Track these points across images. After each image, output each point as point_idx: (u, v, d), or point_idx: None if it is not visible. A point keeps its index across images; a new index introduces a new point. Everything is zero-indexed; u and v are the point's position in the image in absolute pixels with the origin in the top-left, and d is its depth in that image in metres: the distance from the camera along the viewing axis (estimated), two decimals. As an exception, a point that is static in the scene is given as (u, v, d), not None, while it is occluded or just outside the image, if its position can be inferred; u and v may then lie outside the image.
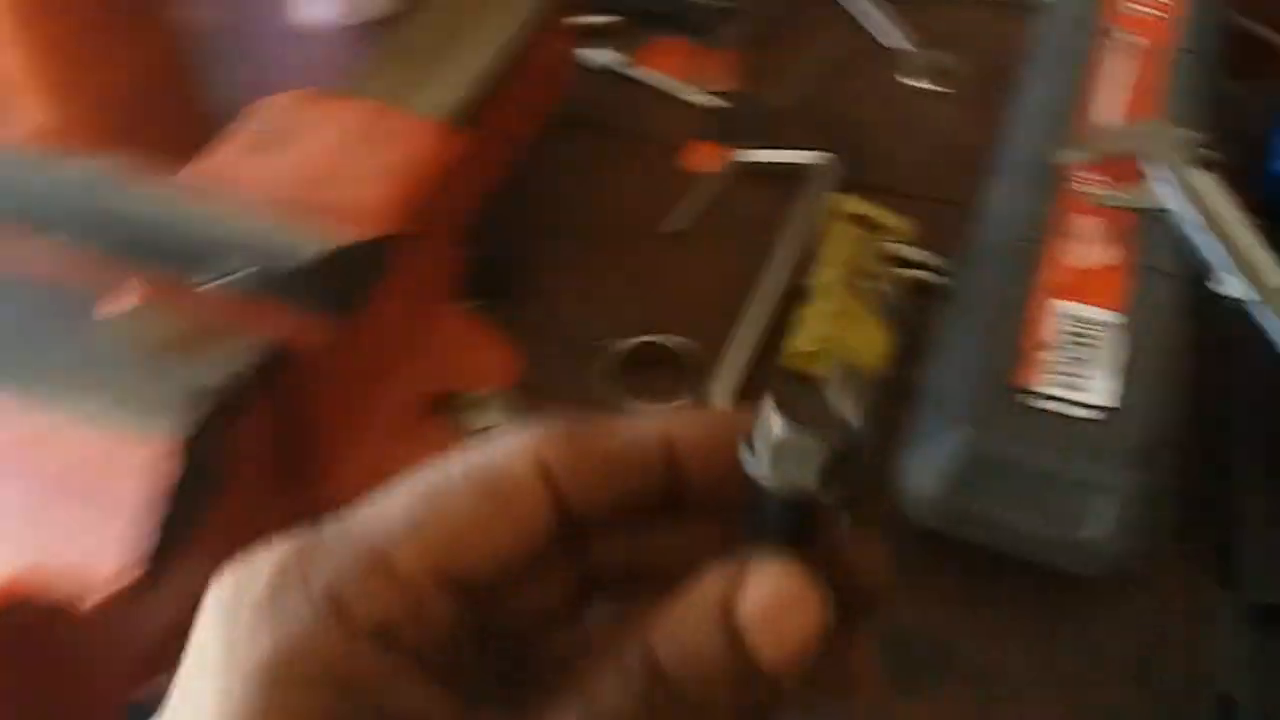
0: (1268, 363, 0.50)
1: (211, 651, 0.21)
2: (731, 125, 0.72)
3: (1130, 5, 0.66)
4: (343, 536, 0.22)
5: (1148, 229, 0.54)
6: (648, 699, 0.21)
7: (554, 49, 0.69)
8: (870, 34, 0.78)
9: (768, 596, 0.21)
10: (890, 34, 0.77)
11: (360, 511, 0.23)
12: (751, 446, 0.22)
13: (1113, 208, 0.54)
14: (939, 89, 0.74)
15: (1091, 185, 0.56)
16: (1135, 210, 0.54)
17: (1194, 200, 0.54)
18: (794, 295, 0.61)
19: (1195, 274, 0.53)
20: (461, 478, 0.23)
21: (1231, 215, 0.54)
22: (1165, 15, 0.65)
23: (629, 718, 0.20)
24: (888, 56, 0.77)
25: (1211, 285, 0.52)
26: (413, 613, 0.21)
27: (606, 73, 0.77)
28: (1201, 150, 0.57)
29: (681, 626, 0.21)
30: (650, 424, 0.24)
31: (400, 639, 0.21)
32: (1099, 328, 0.50)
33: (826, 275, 0.60)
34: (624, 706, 0.20)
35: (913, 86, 0.75)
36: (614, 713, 0.20)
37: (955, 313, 0.54)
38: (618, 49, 0.78)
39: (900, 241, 0.63)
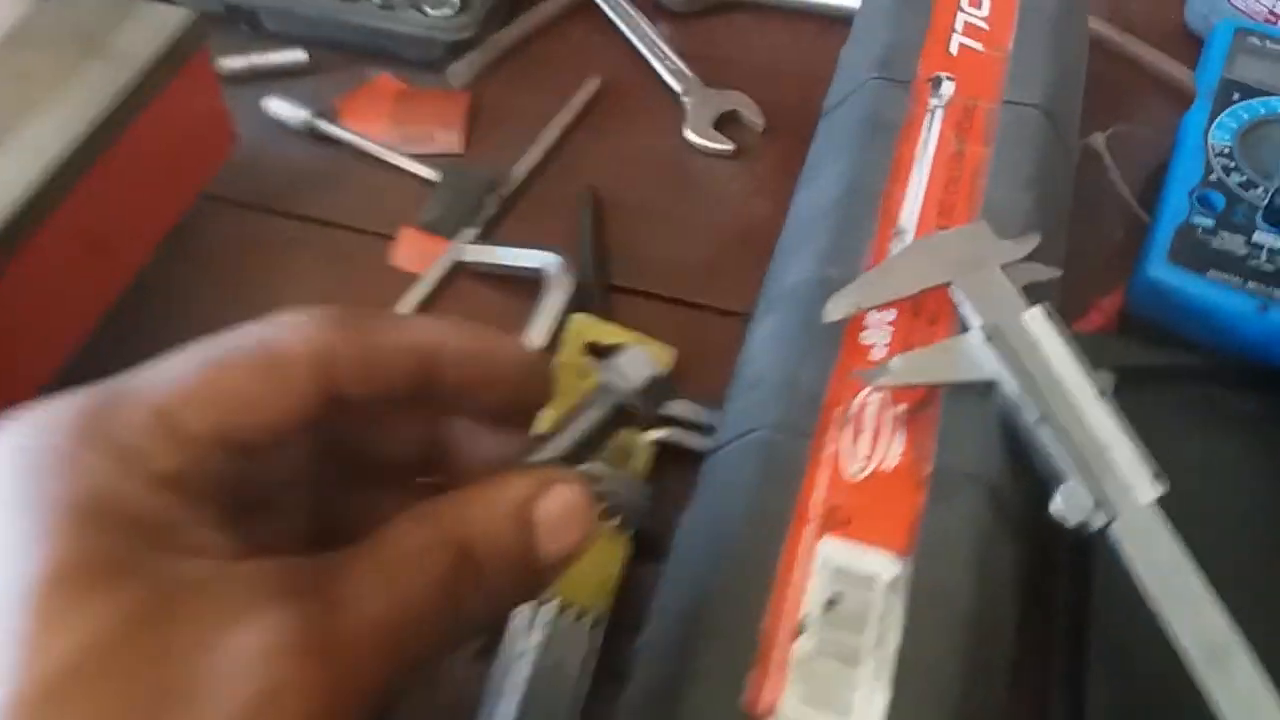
0: (1127, 615, 0.36)
1: (11, 492, 0.22)
2: (453, 206, 0.55)
3: (963, 37, 0.51)
4: (135, 394, 0.24)
5: (958, 414, 0.38)
6: (455, 572, 0.24)
7: (194, 105, 0.51)
8: (653, 68, 0.62)
9: (562, 506, 0.26)
10: (676, 71, 0.60)
11: (148, 372, 0.24)
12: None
13: (906, 385, 0.37)
14: (727, 149, 0.57)
15: (882, 339, 0.40)
16: (939, 386, 0.38)
17: (1024, 366, 0.38)
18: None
19: (1031, 487, 0.37)
20: (240, 350, 0.25)
21: (1083, 390, 0.37)
22: (999, 53, 0.50)
23: (435, 586, 0.24)
24: (669, 103, 0.59)
25: (1054, 507, 0.37)
26: (199, 467, 0.23)
27: (289, 131, 0.58)
28: (1038, 272, 0.42)
29: (489, 517, 0.25)
30: (423, 324, 0.29)
31: (188, 489, 0.23)
32: (877, 589, 0.34)
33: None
34: (430, 576, 0.23)
35: (698, 146, 0.59)
36: (420, 584, 0.23)
37: (678, 564, 0.37)
38: (308, 98, 0.58)
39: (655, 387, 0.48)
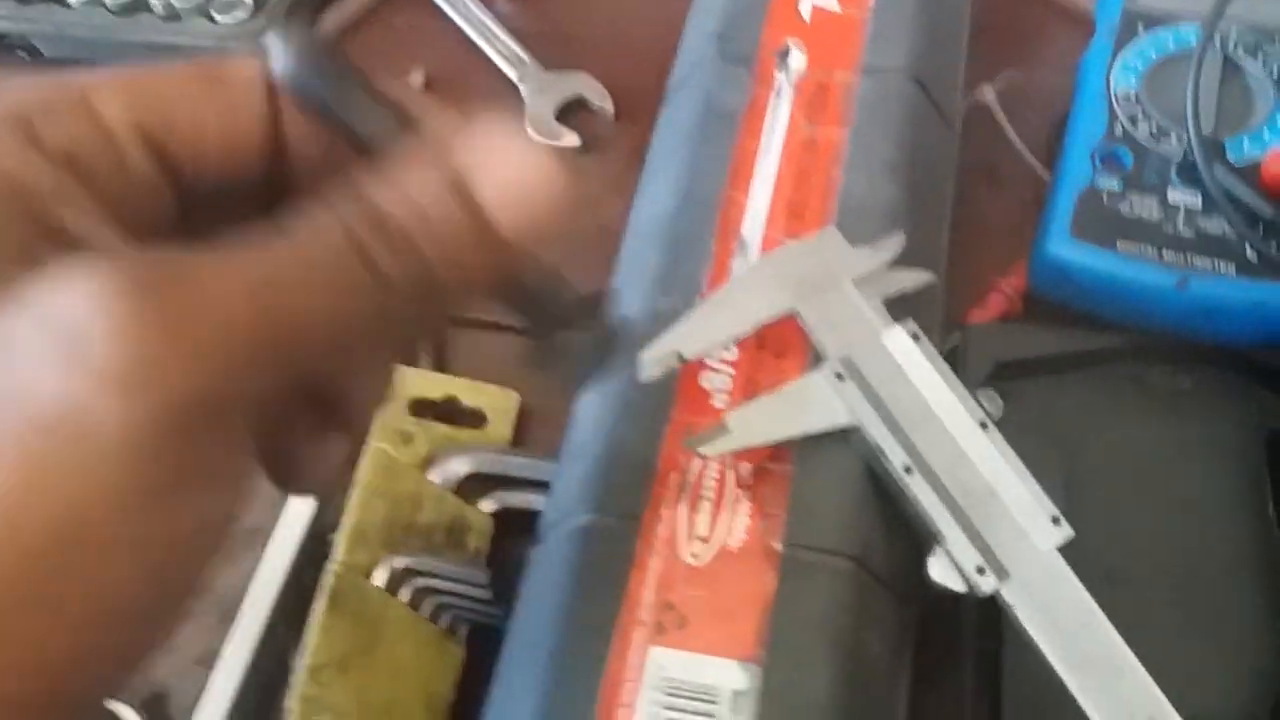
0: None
1: None
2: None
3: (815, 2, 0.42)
4: (49, 77, 0.21)
5: (814, 471, 0.31)
6: (356, 220, 0.20)
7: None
8: (485, 54, 0.54)
9: (512, 167, 0.21)
10: (511, 55, 0.52)
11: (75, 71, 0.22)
12: None
13: (745, 449, 0.30)
14: (572, 144, 0.49)
15: (723, 384, 0.33)
16: (786, 443, 0.31)
17: (885, 404, 0.31)
18: (302, 590, 0.37)
19: (910, 543, 0.31)
20: (183, 64, 0.22)
21: (961, 423, 0.31)
22: (859, 11, 0.41)
23: (337, 235, 0.20)
24: (506, 93, 0.51)
25: (932, 573, 0.30)
26: (108, 158, 0.20)
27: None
28: (905, 280, 0.35)
29: (400, 174, 0.20)
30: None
31: (89, 175, 0.20)
32: (721, 705, 0.27)
33: (349, 548, 0.38)
34: (326, 242, 0.19)
35: (541, 143, 0.52)
36: (325, 230, 0.19)
37: (503, 680, 0.31)
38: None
39: (490, 450, 0.41)
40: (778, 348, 0.34)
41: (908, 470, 0.30)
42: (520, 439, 0.42)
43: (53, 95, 0.20)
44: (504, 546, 0.39)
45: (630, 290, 0.37)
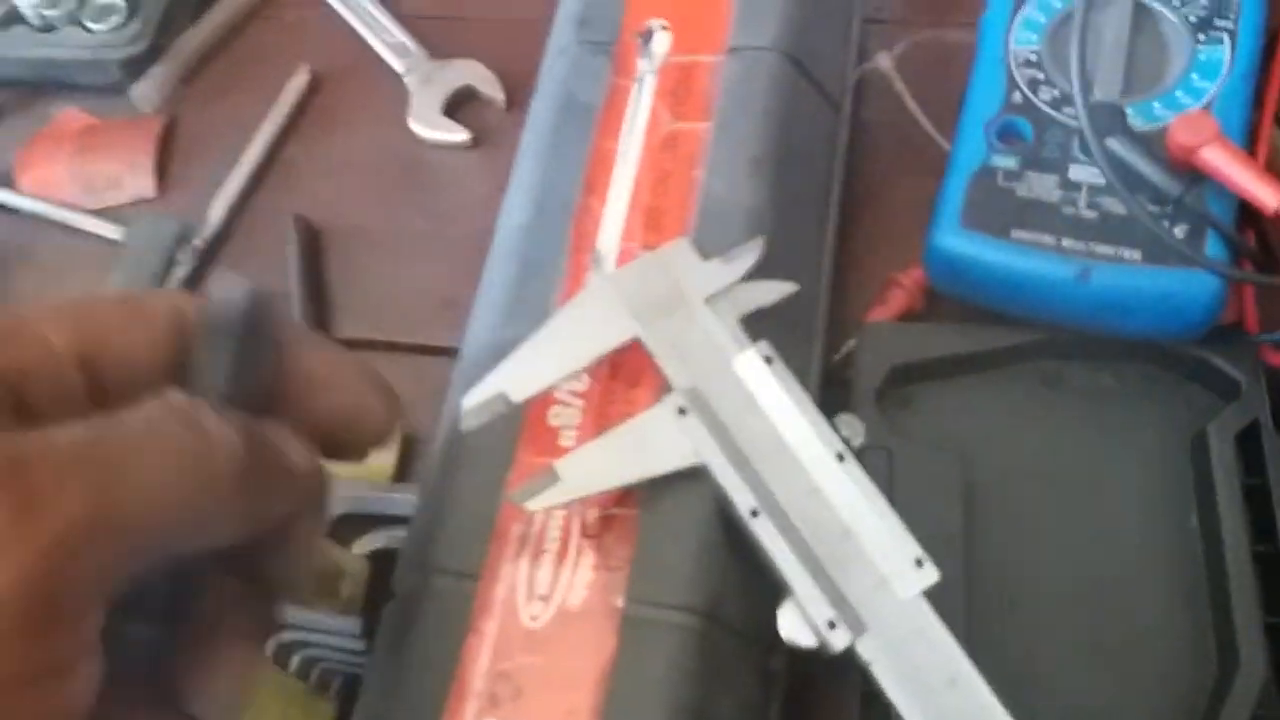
0: None
1: None
2: (138, 272, 0.45)
3: None
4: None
5: (659, 518, 0.28)
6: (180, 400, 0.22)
7: None
8: (375, 50, 0.50)
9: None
10: (397, 45, 0.49)
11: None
12: None
13: (580, 499, 0.28)
14: (461, 139, 0.47)
15: (571, 419, 0.30)
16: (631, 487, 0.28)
17: (733, 440, 0.28)
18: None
19: (763, 602, 0.28)
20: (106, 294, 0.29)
21: (817, 457, 0.28)
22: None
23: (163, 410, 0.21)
24: (393, 86, 0.48)
25: (781, 629, 0.27)
26: (49, 376, 0.22)
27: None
28: (764, 293, 0.31)
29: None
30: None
31: (27, 389, 0.22)
32: None
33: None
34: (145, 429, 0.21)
35: (427, 139, 0.49)
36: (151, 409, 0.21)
37: None
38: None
39: (365, 487, 0.39)
40: (631, 376, 0.31)
41: (754, 514, 0.28)
42: (404, 470, 0.40)
43: (8, 325, 0.23)
44: (382, 590, 0.37)
45: (480, 318, 0.34)
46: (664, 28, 0.37)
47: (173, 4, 0.50)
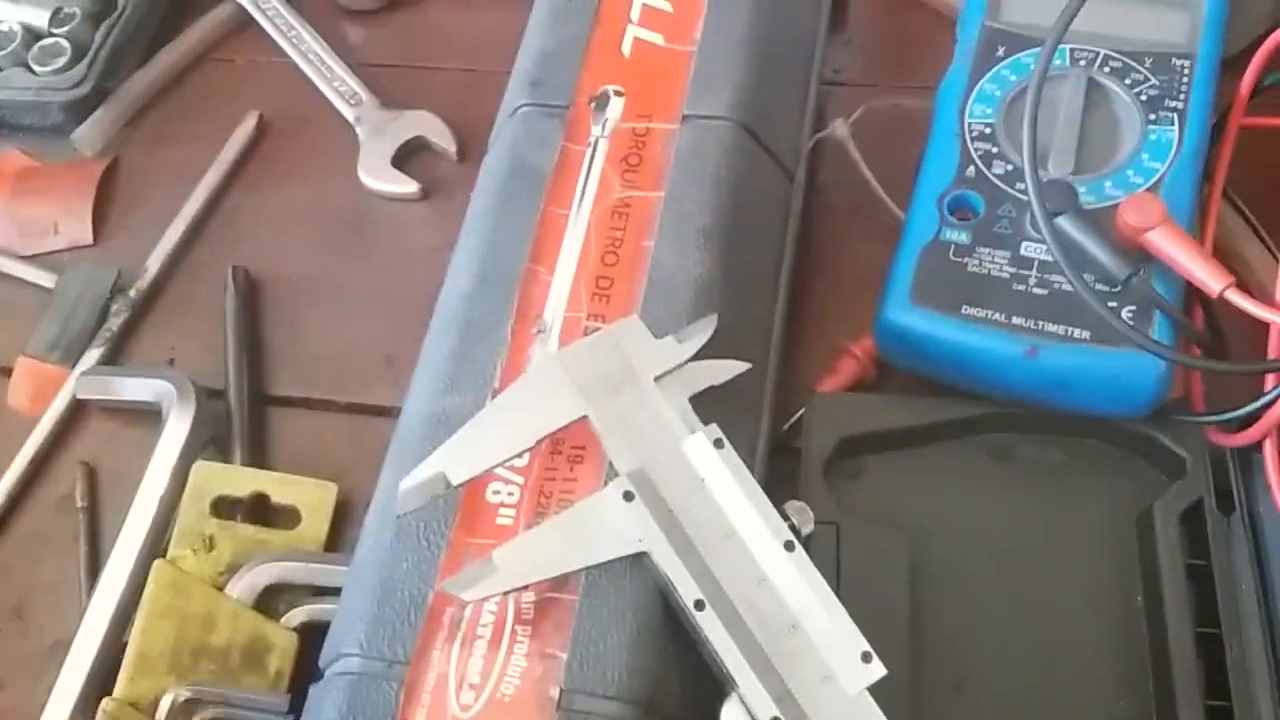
0: None
1: None
2: (69, 322, 0.44)
3: (640, 29, 0.37)
4: None
5: (598, 605, 0.28)
6: None
7: None
8: (327, 98, 0.49)
9: None
10: (348, 93, 0.48)
11: None
12: None
13: (518, 589, 0.27)
14: (410, 191, 0.46)
15: (511, 495, 0.29)
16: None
17: (680, 527, 0.27)
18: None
19: (705, 692, 0.28)
20: None
21: (764, 546, 0.27)
22: (685, 47, 0.36)
23: None
24: (344, 134, 0.47)
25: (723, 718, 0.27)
26: None
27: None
28: (716, 372, 0.31)
29: None
30: None
31: None
32: None
33: (131, 678, 0.34)
34: None
35: (376, 190, 0.48)
36: None
37: None
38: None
39: (296, 557, 0.38)
40: (573, 453, 0.30)
41: (699, 606, 0.27)
42: (337, 536, 0.39)
43: None
44: (311, 664, 0.36)
45: (419, 385, 0.33)
46: (618, 93, 0.36)
47: (119, 47, 0.49)
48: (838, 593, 0.31)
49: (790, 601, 0.27)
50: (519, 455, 0.29)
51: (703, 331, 0.30)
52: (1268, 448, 0.32)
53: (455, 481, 0.28)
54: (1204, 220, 0.38)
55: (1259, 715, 0.30)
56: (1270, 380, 0.32)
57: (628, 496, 0.28)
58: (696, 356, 0.30)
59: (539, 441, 0.29)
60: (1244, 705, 0.30)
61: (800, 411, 0.37)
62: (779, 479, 0.35)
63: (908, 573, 0.33)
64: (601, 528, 0.28)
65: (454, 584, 0.27)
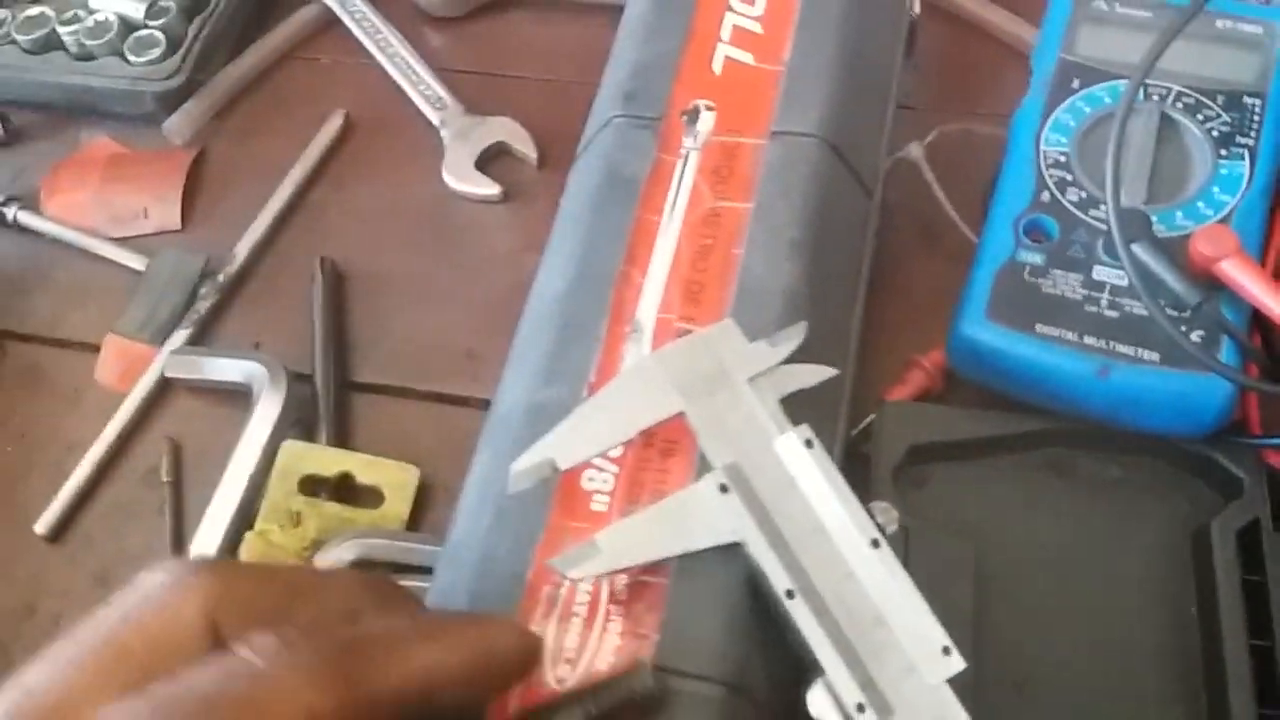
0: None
1: None
2: (159, 304, 0.45)
3: (731, 47, 0.38)
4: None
5: (691, 589, 0.29)
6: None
7: None
8: (412, 100, 0.51)
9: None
10: (433, 97, 0.50)
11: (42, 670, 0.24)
12: None
13: (617, 571, 0.28)
14: (492, 193, 0.47)
15: (605, 484, 0.30)
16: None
17: (772, 520, 0.28)
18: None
19: (787, 678, 0.29)
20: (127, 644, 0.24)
21: (852, 541, 0.28)
22: (774, 66, 0.38)
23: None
24: (428, 137, 0.49)
25: (810, 708, 0.27)
26: None
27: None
28: (806, 375, 0.32)
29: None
30: (418, 651, 0.25)
31: None
32: None
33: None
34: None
35: (459, 192, 0.49)
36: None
37: None
38: (7, 176, 0.49)
39: (379, 535, 0.39)
40: (665, 446, 0.32)
41: (790, 595, 0.28)
42: (418, 517, 0.40)
43: None
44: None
45: (515, 378, 0.35)
46: (709, 108, 0.38)
47: (211, 41, 0.51)
48: (912, 592, 0.34)
49: (875, 596, 0.29)
50: (618, 446, 0.31)
51: (794, 337, 0.32)
52: (1325, 472, 0.34)
53: (563, 466, 0.29)
54: (1267, 251, 0.39)
55: (1311, 725, 0.32)
56: (1330, 408, 0.34)
57: (723, 489, 0.29)
58: (786, 361, 0.32)
59: (639, 432, 0.30)
60: (1297, 716, 0.32)
61: (870, 419, 0.38)
62: (849, 482, 0.36)
63: (972, 578, 0.35)
64: (698, 518, 0.29)
65: (561, 562, 0.28)
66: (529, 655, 0.28)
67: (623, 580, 0.30)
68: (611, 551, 0.29)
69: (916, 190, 0.43)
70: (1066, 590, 0.36)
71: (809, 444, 0.30)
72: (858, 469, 0.37)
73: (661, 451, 0.32)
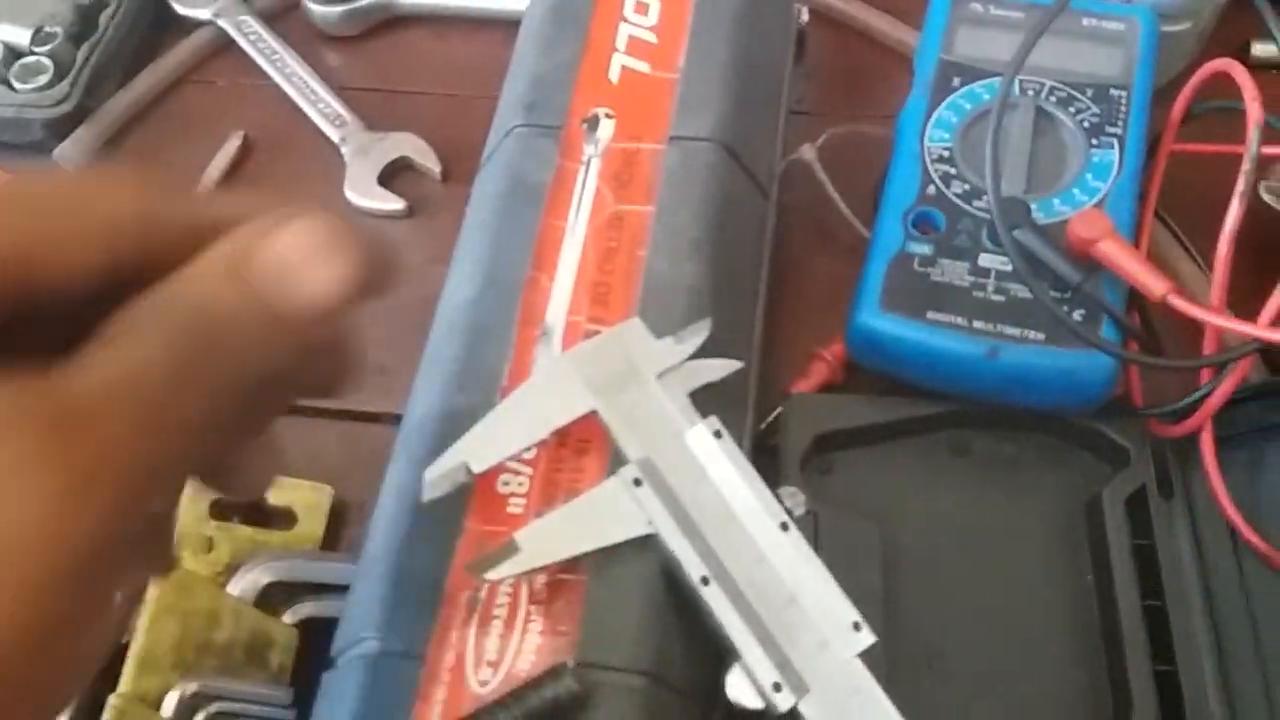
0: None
1: None
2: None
3: (627, 56, 0.39)
4: None
5: (608, 584, 0.29)
6: (184, 337, 0.20)
7: None
8: (311, 120, 0.50)
9: (289, 248, 0.21)
10: (332, 115, 0.50)
11: None
12: None
13: (535, 570, 0.28)
14: (396, 208, 0.47)
15: (521, 485, 0.31)
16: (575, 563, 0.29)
17: (684, 510, 0.29)
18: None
19: (708, 664, 0.30)
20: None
21: (762, 526, 0.29)
22: (669, 74, 0.39)
23: (160, 367, 0.20)
24: (329, 155, 0.49)
25: (729, 691, 0.28)
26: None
27: None
28: (712, 370, 0.32)
29: (195, 281, 0.21)
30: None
31: None
32: None
33: (136, 675, 0.35)
34: (152, 356, 0.20)
35: (362, 208, 0.48)
36: (144, 363, 0.20)
37: None
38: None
39: (294, 555, 0.39)
40: (579, 445, 0.32)
41: (704, 582, 0.29)
42: (333, 536, 0.40)
43: None
44: (311, 659, 0.37)
45: (427, 386, 0.35)
46: (608, 115, 0.39)
47: (101, 67, 0.50)
48: (822, 575, 0.35)
49: (787, 577, 0.30)
50: (533, 447, 0.31)
51: (699, 333, 0.33)
52: (1204, 437, 0.36)
53: (477, 470, 0.30)
54: (1139, 232, 0.42)
55: (1201, 677, 0.34)
56: (1205, 375, 0.36)
57: (636, 483, 0.30)
58: (693, 357, 0.33)
59: (552, 433, 0.31)
60: (1188, 669, 0.34)
61: (777, 412, 0.39)
62: (760, 473, 0.37)
63: (879, 558, 0.36)
64: (613, 512, 0.30)
65: (479, 565, 0.29)
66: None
67: (541, 580, 0.31)
68: (529, 550, 0.29)
69: (811, 191, 0.44)
70: (970, 566, 0.37)
71: (718, 435, 0.31)
72: (767, 461, 0.38)
73: (575, 451, 0.33)
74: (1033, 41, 0.37)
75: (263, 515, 0.40)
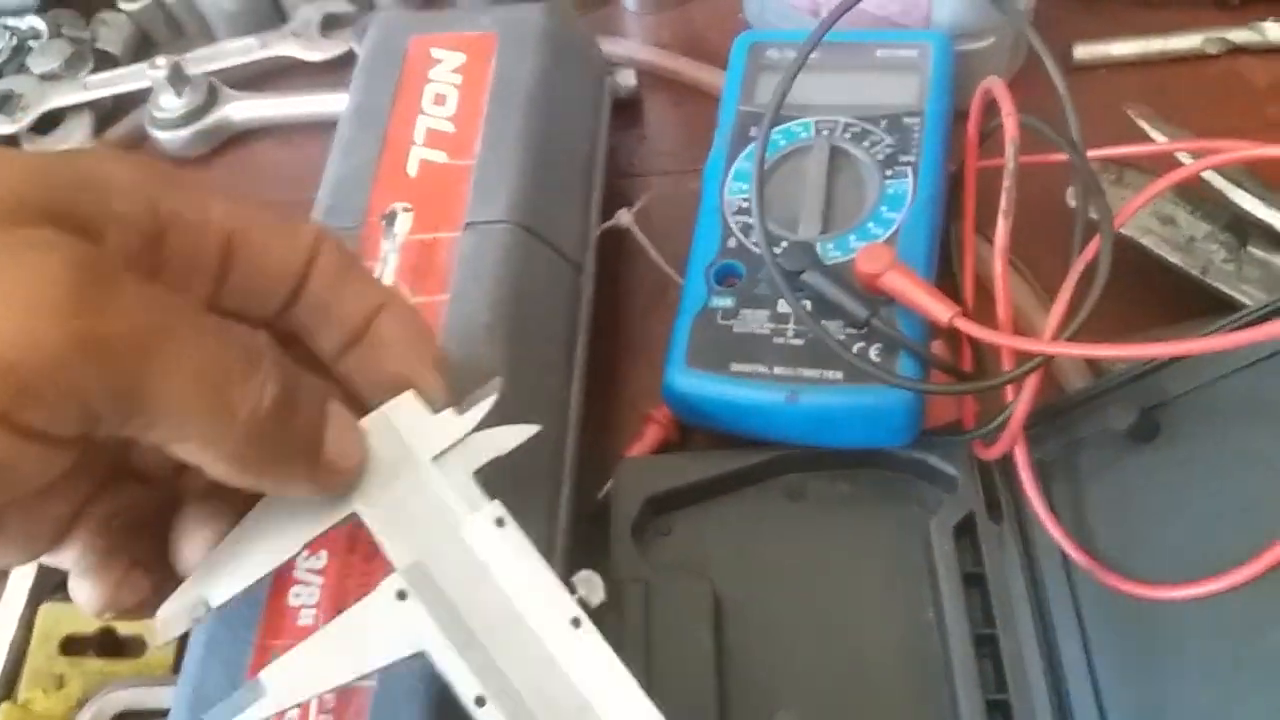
0: None
1: None
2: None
3: (425, 149, 0.40)
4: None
5: (388, 706, 0.29)
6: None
7: None
8: None
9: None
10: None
11: None
12: None
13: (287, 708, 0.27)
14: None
15: (310, 597, 0.31)
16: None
17: (460, 618, 0.28)
18: None
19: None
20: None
21: (552, 626, 0.28)
22: (467, 161, 0.39)
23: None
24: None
25: None
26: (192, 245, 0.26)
27: None
28: (502, 440, 0.30)
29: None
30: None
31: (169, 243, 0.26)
32: None
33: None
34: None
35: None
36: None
37: None
38: None
39: (143, 683, 0.39)
40: (369, 549, 0.32)
41: (479, 702, 0.27)
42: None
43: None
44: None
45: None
46: (406, 209, 0.39)
47: None
48: (648, 647, 0.34)
49: (579, 681, 0.28)
50: (285, 566, 0.28)
51: (486, 398, 0.30)
52: (1018, 456, 0.35)
53: (216, 604, 0.28)
54: (962, 256, 0.42)
55: (1033, 705, 0.33)
56: (1009, 394, 0.35)
57: (401, 595, 0.28)
58: (479, 428, 0.30)
59: (304, 548, 0.29)
60: (1020, 696, 0.33)
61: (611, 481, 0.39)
62: (599, 544, 0.37)
63: (711, 616, 0.35)
64: (376, 632, 0.28)
65: (218, 714, 0.27)
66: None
67: (330, 701, 0.30)
68: (277, 690, 0.27)
69: (636, 253, 0.45)
70: (812, 612, 0.37)
71: (500, 523, 0.29)
72: (606, 530, 0.39)
73: (365, 556, 0.32)
74: (790, 81, 0.37)
75: (115, 645, 0.40)
